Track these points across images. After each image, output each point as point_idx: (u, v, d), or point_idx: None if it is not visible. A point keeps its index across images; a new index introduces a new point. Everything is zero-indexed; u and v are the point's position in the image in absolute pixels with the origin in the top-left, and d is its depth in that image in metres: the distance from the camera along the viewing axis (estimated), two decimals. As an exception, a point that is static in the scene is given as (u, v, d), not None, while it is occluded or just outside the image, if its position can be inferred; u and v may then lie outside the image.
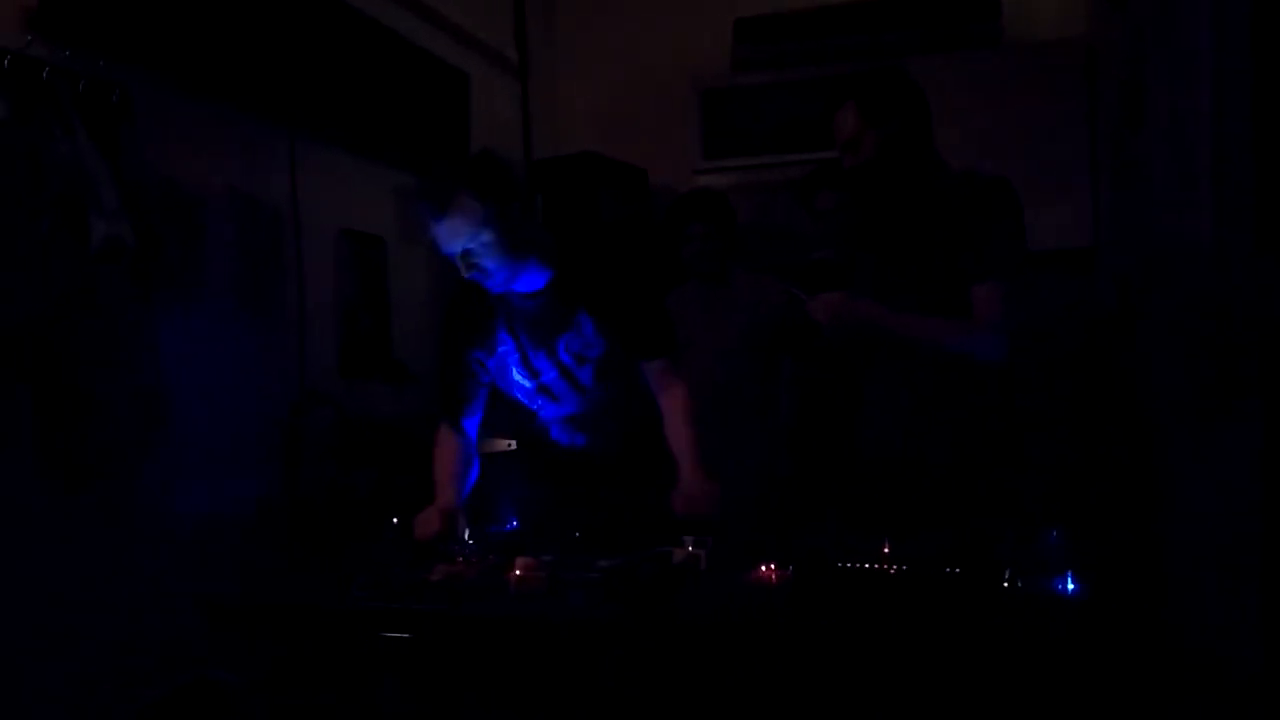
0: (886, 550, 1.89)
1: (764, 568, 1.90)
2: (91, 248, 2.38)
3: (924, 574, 1.78)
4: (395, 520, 2.31)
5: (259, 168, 3.10)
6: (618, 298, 2.37)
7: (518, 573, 1.91)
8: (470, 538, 2.22)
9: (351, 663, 1.91)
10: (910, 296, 2.32)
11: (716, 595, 1.86)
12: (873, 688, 1.60)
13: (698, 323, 3.20)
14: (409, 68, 3.72)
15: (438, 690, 1.86)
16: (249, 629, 2.08)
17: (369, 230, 3.56)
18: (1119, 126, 3.30)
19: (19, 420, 2.26)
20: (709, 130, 4.37)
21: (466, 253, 2.22)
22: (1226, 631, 2.25)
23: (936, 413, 2.30)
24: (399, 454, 3.09)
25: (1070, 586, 1.65)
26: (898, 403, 2.36)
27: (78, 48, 2.45)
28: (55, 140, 2.35)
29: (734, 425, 3.21)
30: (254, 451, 2.98)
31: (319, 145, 3.30)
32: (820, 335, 2.39)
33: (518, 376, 2.45)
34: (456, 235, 2.19)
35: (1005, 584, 1.69)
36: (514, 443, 2.98)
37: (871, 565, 1.82)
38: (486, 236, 2.19)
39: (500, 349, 2.42)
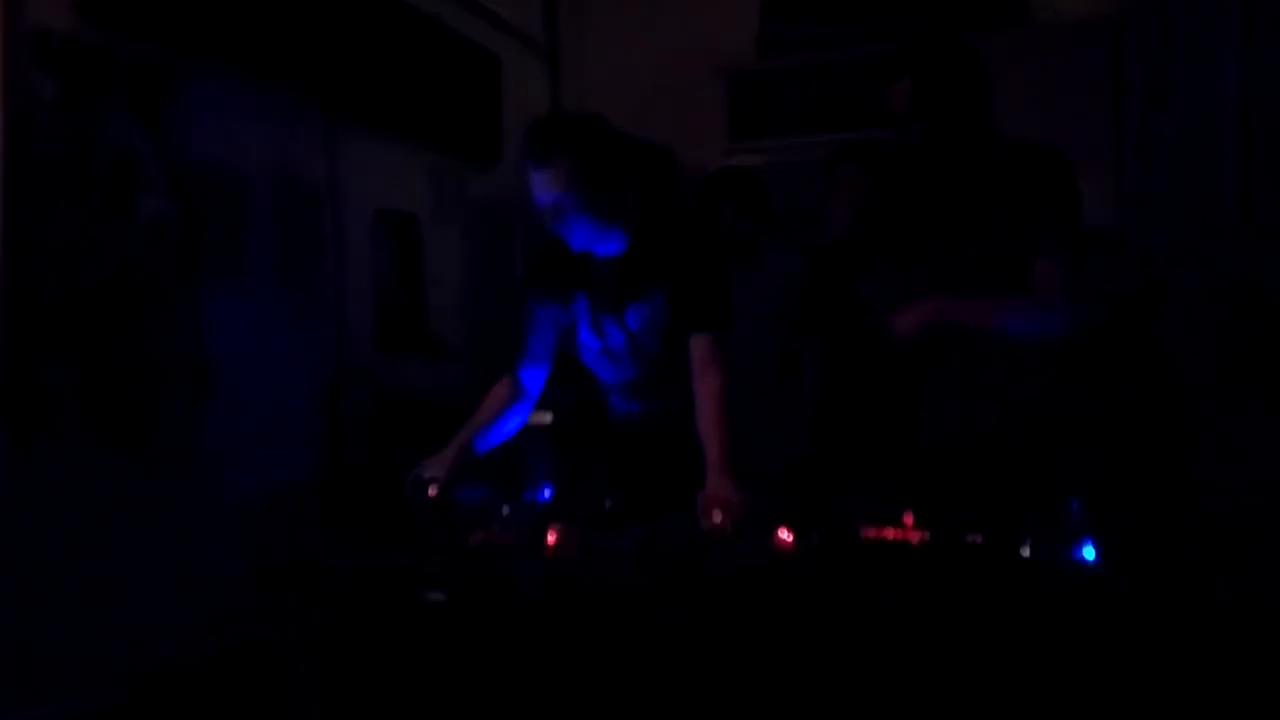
0: (909, 519, 1.92)
1: (788, 535, 1.94)
2: (139, 227, 2.45)
3: (945, 544, 1.82)
4: (432, 491, 2.36)
5: (297, 148, 3.16)
6: (689, 268, 2.40)
7: (551, 540, 1.96)
8: (507, 508, 2.28)
9: (392, 623, 1.97)
10: (970, 279, 2.30)
11: (743, 563, 1.90)
12: (893, 656, 1.65)
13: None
14: (442, 51, 3.78)
15: (471, 652, 1.92)
16: (294, 590, 2.14)
17: (404, 209, 3.62)
18: (1144, 105, 3.30)
19: (72, 389, 2.34)
20: (735, 113, 4.40)
21: (556, 207, 2.27)
22: (1255, 607, 2.27)
23: (996, 397, 2.29)
24: (437, 429, 3.15)
25: (1091, 558, 1.69)
26: (958, 388, 2.35)
27: (123, 30, 2.51)
28: (103, 120, 2.42)
29: (759, 402, 3.24)
30: (294, 426, 3.06)
31: (355, 126, 3.36)
32: (849, 317, 2.38)
33: (585, 338, 2.50)
34: (549, 188, 2.25)
35: (1026, 554, 1.73)
36: (548, 416, 3.03)
37: (895, 533, 1.86)
38: (577, 196, 2.25)
39: (573, 308, 2.48)
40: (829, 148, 3.71)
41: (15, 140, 2.26)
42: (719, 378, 2.37)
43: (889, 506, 2.07)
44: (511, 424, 2.53)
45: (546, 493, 2.48)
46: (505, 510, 2.21)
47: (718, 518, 2.08)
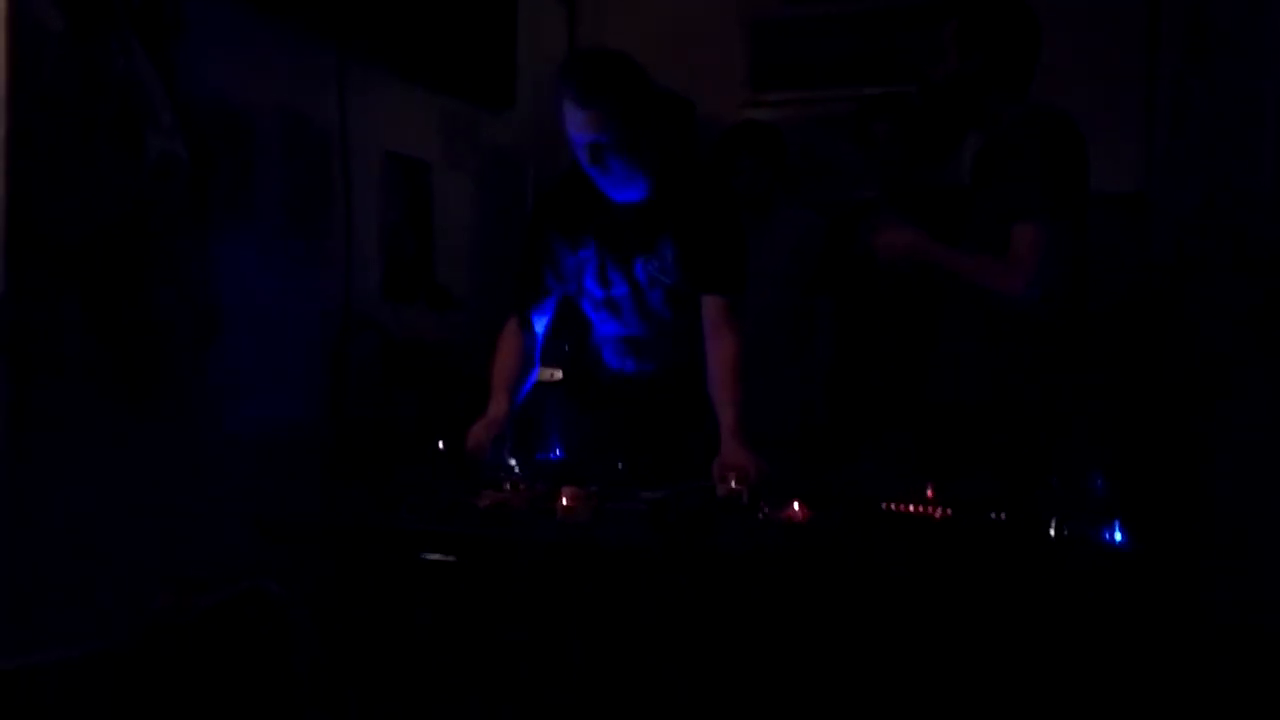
0: (930, 494, 1.89)
1: (806, 507, 1.91)
2: (147, 165, 2.39)
3: (969, 520, 1.78)
4: (441, 444, 2.33)
5: (308, 88, 3.08)
6: (704, 226, 2.35)
7: (564, 502, 1.93)
8: (517, 464, 2.25)
9: (396, 583, 1.95)
10: (961, 233, 2.30)
11: (758, 531, 1.88)
12: (912, 635, 1.62)
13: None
14: (458, -11, 3.68)
15: (478, 613, 1.90)
16: (298, 544, 2.12)
17: (414, 154, 3.55)
18: (1180, 68, 3.22)
19: (77, 330, 2.30)
20: (757, 62, 4.30)
21: (595, 145, 2.22)
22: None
23: (1007, 358, 2.28)
24: (443, 379, 3.12)
25: (1118, 537, 1.65)
26: (967, 348, 2.35)
27: (132, -38, 2.43)
28: (112, 56, 2.34)
29: (771, 359, 3.21)
30: (300, 372, 3.02)
31: (367, 67, 3.28)
32: (863, 276, 2.37)
33: (590, 285, 2.46)
34: (590, 127, 2.20)
35: (1051, 533, 1.69)
36: (559, 372, 2.99)
37: (917, 509, 1.83)
38: (618, 136, 2.21)
39: (582, 252, 2.43)
40: (851, 102, 3.65)
41: (22, 75, 2.19)
42: (733, 342, 2.33)
43: (908, 476, 2.04)
44: (532, 372, 2.50)
45: (558, 452, 2.46)
46: (517, 470, 2.18)
47: (733, 484, 2.05)
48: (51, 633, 2.26)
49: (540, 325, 2.51)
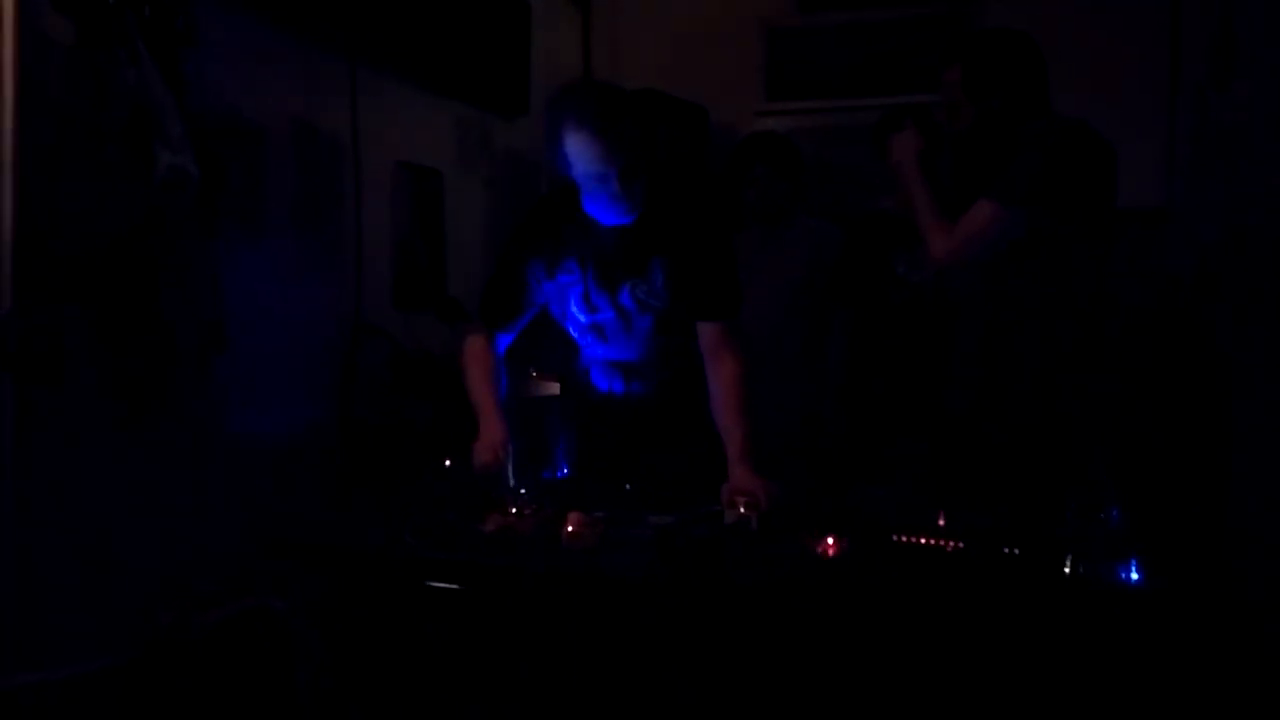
0: (942, 523, 1.86)
1: (817, 535, 1.88)
2: (156, 177, 2.37)
3: (981, 553, 1.75)
4: (448, 462, 2.31)
5: (319, 97, 3.07)
6: (693, 250, 2.33)
7: (570, 528, 1.91)
8: (521, 484, 2.22)
9: (400, 607, 1.94)
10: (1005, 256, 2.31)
11: (768, 560, 1.85)
12: (922, 667, 1.59)
13: (754, 265, 3.17)
14: (471, -3, 3.66)
15: (483, 639, 1.88)
16: (302, 564, 2.11)
17: (426, 163, 3.53)
18: (1204, 83, 3.17)
19: (84, 347, 2.28)
20: (773, 71, 4.27)
21: (602, 176, 2.20)
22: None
23: (1018, 374, 2.29)
24: (452, 390, 3.09)
25: (1134, 576, 1.62)
26: (979, 362, 2.35)
27: (142, -28, 2.41)
28: (121, 66, 2.32)
29: (782, 370, 3.19)
30: (309, 382, 3.01)
31: (379, 75, 3.26)
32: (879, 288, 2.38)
33: (575, 309, 2.43)
34: (597, 158, 2.19)
35: (1066, 570, 1.66)
36: (557, 385, 2.98)
37: (928, 540, 1.79)
38: (624, 168, 2.19)
39: (564, 278, 2.39)
40: (868, 112, 3.61)
41: (30, 87, 2.17)
42: (735, 366, 2.31)
43: (921, 499, 2.02)
44: (503, 396, 2.46)
45: (564, 470, 2.43)
46: (524, 493, 2.15)
47: (742, 509, 2.03)
48: (56, 649, 2.24)
49: (504, 344, 2.48)
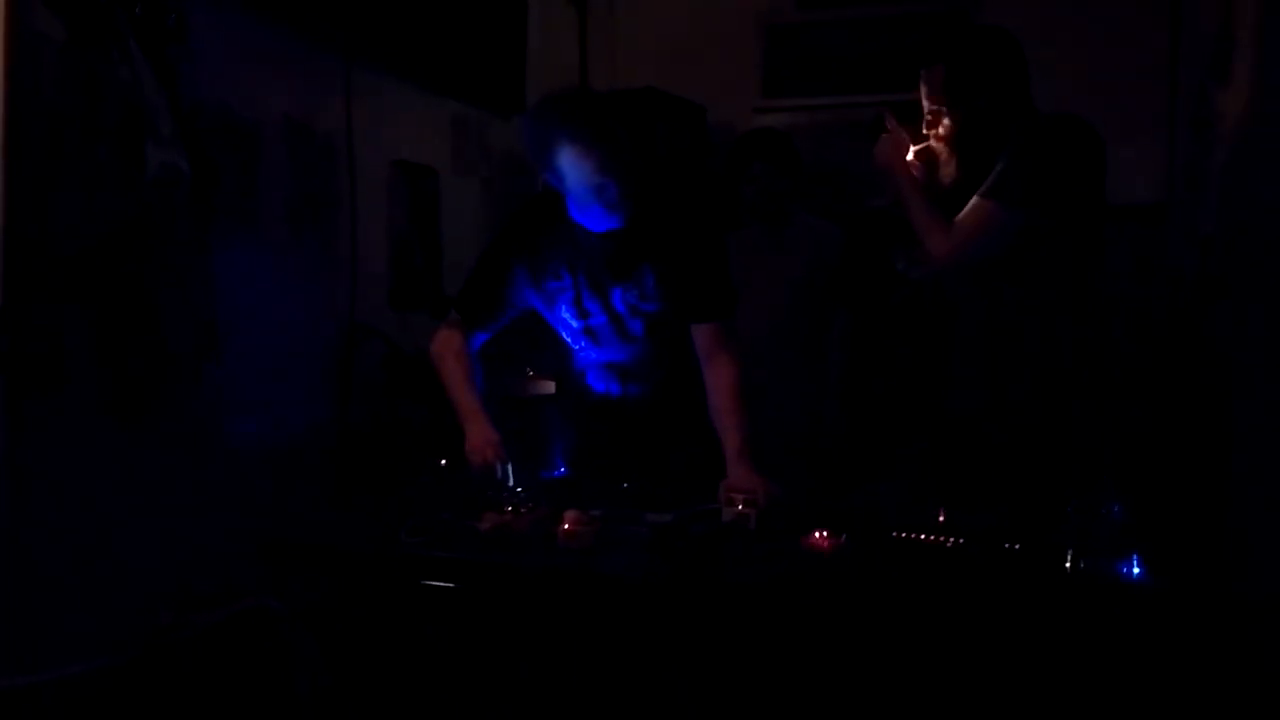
0: (942, 520, 1.85)
1: (815, 534, 1.87)
2: (147, 176, 2.36)
3: (982, 550, 1.74)
4: (444, 462, 2.30)
5: (313, 95, 3.05)
6: (684, 252, 2.31)
7: (566, 526, 1.89)
8: (518, 483, 2.21)
9: (397, 606, 1.92)
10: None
11: (766, 558, 1.84)
12: (922, 664, 1.58)
13: (754, 264, 3.15)
14: (467, -7, 3.65)
15: (480, 639, 1.87)
16: (299, 565, 2.10)
17: (422, 160, 3.52)
18: (1203, 78, 3.16)
19: (77, 347, 2.27)
20: (770, 68, 4.25)
21: (602, 187, 2.18)
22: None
23: (1018, 373, 2.27)
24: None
25: (1136, 571, 1.60)
26: (980, 363, 2.34)
27: (134, -31, 2.40)
28: (113, 65, 2.31)
29: (782, 369, 3.18)
30: (305, 382, 2.99)
31: (374, 73, 3.25)
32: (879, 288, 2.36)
33: (566, 314, 2.41)
34: (598, 169, 2.16)
35: (1067, 565, 1.64)
36: (553, 385, 2.96)
37: (927, 537, 1.78)
38: (623, 178, 2.17)
39: (553, 285, 2.38)
40: (867, 109, 3.60)
41: (21, 85, 2.15)
42: (731, 366, 2.30)
43: (922, 497, 2.00)
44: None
45: (561, 469, 2.42)
46: (520, 491, 2.13)
47: (740, 507, 2.02)
48: (54, 649, 2.23)
49: (477, 344, 2.46)
